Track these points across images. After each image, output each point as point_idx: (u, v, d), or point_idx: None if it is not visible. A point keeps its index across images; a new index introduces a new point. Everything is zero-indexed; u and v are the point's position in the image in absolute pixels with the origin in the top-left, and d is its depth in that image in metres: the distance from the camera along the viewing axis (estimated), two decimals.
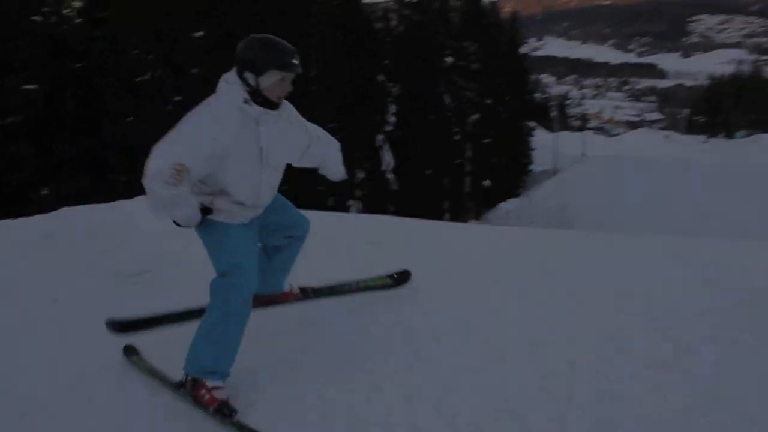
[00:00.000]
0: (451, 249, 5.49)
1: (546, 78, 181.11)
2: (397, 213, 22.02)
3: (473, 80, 28.94)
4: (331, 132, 3.74)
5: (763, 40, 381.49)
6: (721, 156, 41.89)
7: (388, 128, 25.52)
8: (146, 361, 3.45)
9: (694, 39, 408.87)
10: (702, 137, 75.19)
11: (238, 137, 2.97)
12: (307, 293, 3.98)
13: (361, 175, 24.23)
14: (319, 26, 22.09)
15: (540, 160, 42.48)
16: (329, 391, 3.08)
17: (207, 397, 2.97)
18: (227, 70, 3.01)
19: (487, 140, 29.94)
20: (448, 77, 27.35)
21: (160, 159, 2.81)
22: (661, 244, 5.83)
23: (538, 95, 73.89)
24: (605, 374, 3.09)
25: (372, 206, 22.68)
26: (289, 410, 2.98)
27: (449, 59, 27.63)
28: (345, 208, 22.50)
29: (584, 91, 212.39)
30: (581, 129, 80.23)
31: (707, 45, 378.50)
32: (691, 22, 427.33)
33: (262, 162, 3.11)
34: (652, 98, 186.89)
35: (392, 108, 25.92)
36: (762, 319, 3.65)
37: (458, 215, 26.73)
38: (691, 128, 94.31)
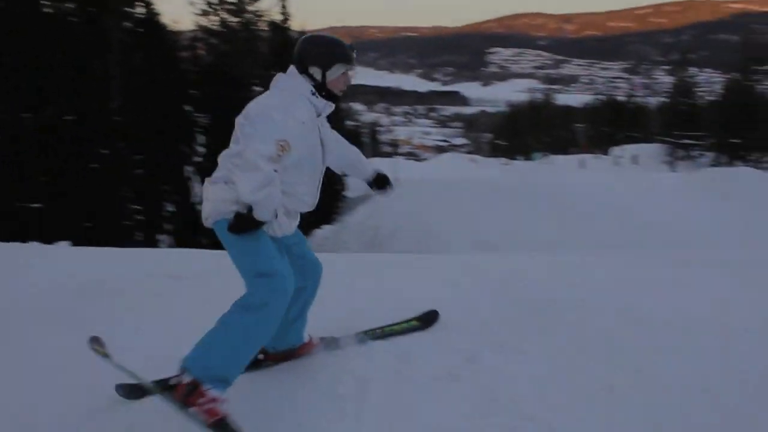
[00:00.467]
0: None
1: (357, 106, 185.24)
2: (211, 246, 21.50)
3: None
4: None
5: (551, 71, 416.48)
6: (521, 176, 44.71)
7: (198, 159, 24.91)
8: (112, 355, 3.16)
9: (493, 69, 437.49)
10: (504, 159, 79.73)
11: (310, 126, 3.05)
12: (328, 343, 3.72)
13: (170, 208, 23.42)
14: (120, 54, 21.22)
15: (354, 186, 43.14)
16: None
17: (207, 407, 2.72)
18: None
19: None
20: None
21: (263, 142, 2.77)
22: (458, 261, 6.14)
23: (349, 123, 75.30)
24: (396, 388, 3.20)
25: (184, 240, 21.97)
26: None
27: (258, 89, 27.53)
28: (154, 243, 21.63)
29: (394, 118, 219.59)
30: (393, 155, 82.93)
31: (504, 75, 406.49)
32: (489, 53, 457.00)
33: (323, 157, 3.21)
34: (458, 124, 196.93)
35: (201, 138, 25.34)
36: (542, 327, 3.92)
37: None
38: (494, 151, 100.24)
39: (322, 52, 3.09)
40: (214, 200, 3.02)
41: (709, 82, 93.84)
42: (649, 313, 4.15)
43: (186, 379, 2.78)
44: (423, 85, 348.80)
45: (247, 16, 29.04)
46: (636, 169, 52.88)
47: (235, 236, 2.91)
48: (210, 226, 3.07)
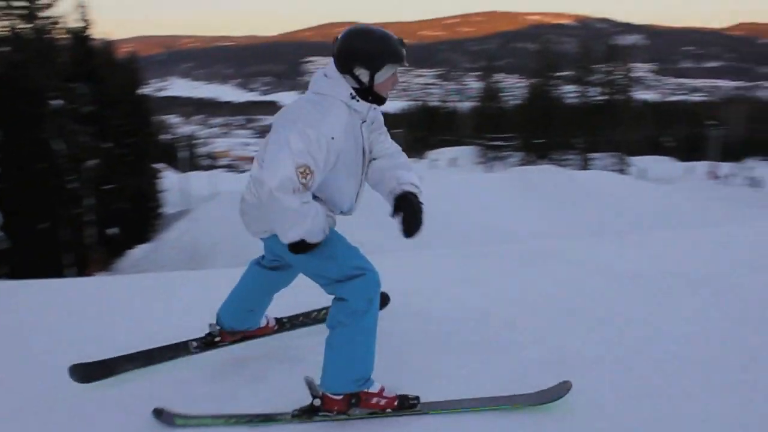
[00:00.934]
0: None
1: (173, 119, 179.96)
2: (11, 275, 19.62)
3: (88, 124, 27.10)
4: None
5: None
6: None
7: None
8: (204, 415, 2.94)
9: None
10: None
11: (347, 136, 2.73)
12: (283, 324, 3.76)
13: None
14: None
15: (172, 202, 41.60)
16: None
17: (383, 401, 2.81)
18: None
19: (109, 186, 28.27)
20: (57, 121, 25.22)
21: (282, 168, 2.53)
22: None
23: (165, 136, 72.64)
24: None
25: None
26: None
27: (57, 102, 25.49)
28: None
29: (212, 130, 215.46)
30: (211, 168, 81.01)
31: None
32: (304, 62, 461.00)
33: (363, 166, 2.89)
34: None
35: None
36: (315, 334, 3.71)
37: (84, 268, 24.73)
38: None
39: (371, 52, 2.68)
40: (259, 212, 2.86)
41: (514, 87, 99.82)
42: (432, 309, 4.19)
43: (337, 397, 2.79)
44: (241, 96, 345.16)
45: (40, 22, 26.86)
46: (452, 171, 55.11)
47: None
48: (253, 236, 3.02)
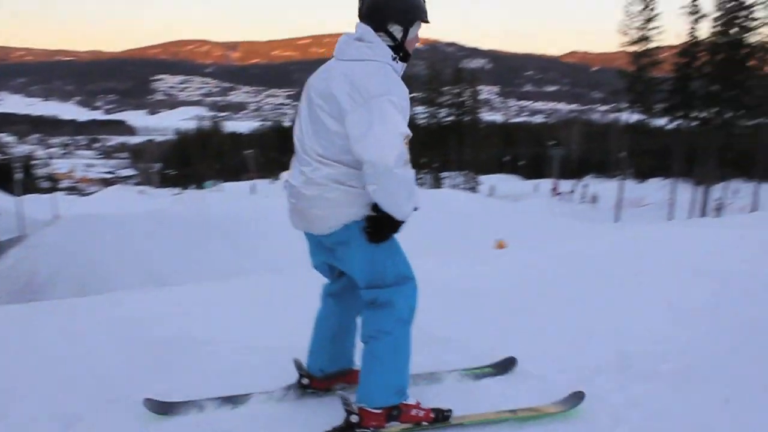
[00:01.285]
0: None
1: (6, 137, 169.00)
2: None
3: None
4: None
5: (218, 98, 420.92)
6: (192, 205, 43.96)
7: None
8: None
9: (159, 97, 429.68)
10: (176, 189, 78.16)
11: None
12: None
13: None
14: None
15: (5, 228, 38.65)
16: None
17: (421, 413, 2.70)
18: None
19: None
20: None
21: (393, 144, 2.39)
22: (76, 305, 5.92)
23: None
24: None
25: None
26: None
27: None
28: None
29: (51, 150, 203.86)
30: (52, 190, 76.36)
31: (171, 102, 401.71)
32: (154, 80, 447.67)
33: None
34: (124, 154, 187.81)
35: None
36: (160, 372, 3.57)
37: None
38: (164, 181, 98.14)
39: (404, 7, 2.58)
40: (335, 206, 2.58)
41: None
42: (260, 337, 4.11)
43: (377, 411, 2.63)
44: (83, 114, 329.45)
45: None
46: None
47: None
48: (327, 232, 2.64)
